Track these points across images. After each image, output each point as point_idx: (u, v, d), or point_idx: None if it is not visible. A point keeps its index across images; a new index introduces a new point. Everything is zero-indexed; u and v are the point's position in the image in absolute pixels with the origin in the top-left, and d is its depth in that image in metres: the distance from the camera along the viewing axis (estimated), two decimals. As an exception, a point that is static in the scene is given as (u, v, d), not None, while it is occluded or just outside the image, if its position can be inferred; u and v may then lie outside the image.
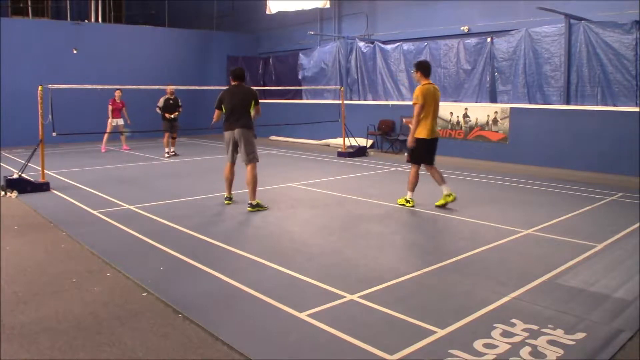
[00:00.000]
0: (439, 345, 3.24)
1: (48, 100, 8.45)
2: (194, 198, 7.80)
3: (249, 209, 6.95)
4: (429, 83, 6.98)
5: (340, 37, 16.36)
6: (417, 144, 7.00)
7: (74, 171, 10.32)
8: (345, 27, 16.83)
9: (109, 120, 13.54)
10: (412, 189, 7.19)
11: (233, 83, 7.13)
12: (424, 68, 7.01)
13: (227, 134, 7.09)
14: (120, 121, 13.67)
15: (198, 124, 15.93)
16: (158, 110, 12.56)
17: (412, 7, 14.75)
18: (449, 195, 7.04)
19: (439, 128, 13.16)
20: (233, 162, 7.24)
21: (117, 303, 3.93)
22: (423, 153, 7.06)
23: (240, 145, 7.02)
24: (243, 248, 5.24)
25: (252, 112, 7.08)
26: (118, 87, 13.31)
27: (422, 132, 6.95)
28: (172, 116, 12.50)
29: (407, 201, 7.19)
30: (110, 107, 13.51)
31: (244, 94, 7.05)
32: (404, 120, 13.66)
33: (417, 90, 6.91)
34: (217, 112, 7.15)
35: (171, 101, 12.52)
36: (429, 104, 6.87)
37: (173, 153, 12.88)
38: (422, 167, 7.18)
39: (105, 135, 13.78)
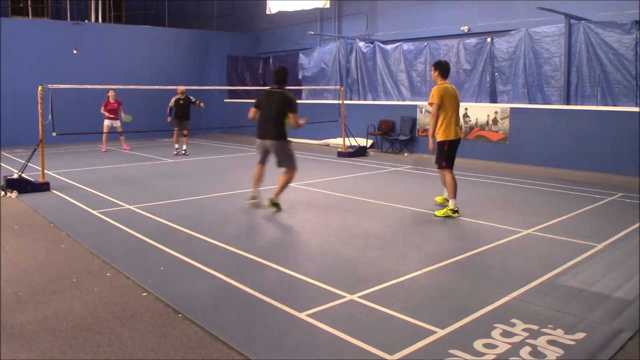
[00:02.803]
0: (439, 345, 3.23)
1: (48, 100, 8.45)
2: (194, 198, 7.80)
3: (267, 203, 6.85)
4: (446, 83, 6.66)
5: (340, 37, 16.36)
6: (444, 146, 6.62)
7: (74, 171, 10.32)
8: (345, 27, 16.83)
9: (109, 122, 13.38)
10: (455, 195, 6.62)
11: (274, 86, 6.88)
12: (443, 68, 6.67)
13: (258, 141, 6.88)
14: (117, 122, 13.45)
15: (198, 124, 15.93)
16: (169, 110, 12.85)
17: (412, 7, 14.75)
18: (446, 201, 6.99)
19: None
20: (263, 164, 7.03)
21: (117, 303, 3.93)
22: (452, 155, 6.68)
23: (274, 155, 6.82)
24: (243, 248, 5.24)
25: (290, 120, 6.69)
26: (116, 87, 13.23)
27: (447, 134, 6.57)
28: (169, 120, 12.93)
29: (455, 211, 6.58)
30: (102, 108, 13.29)
31: (280, 101, 6.71)
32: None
33: (434, 89, 6.57)
34: (252, 110, 6.89)
35: (181, 101, 12.76)
36: (448, 104, 6.51)
37: (184, 152, 12.98)
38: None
39: (104, 136, 13.67)
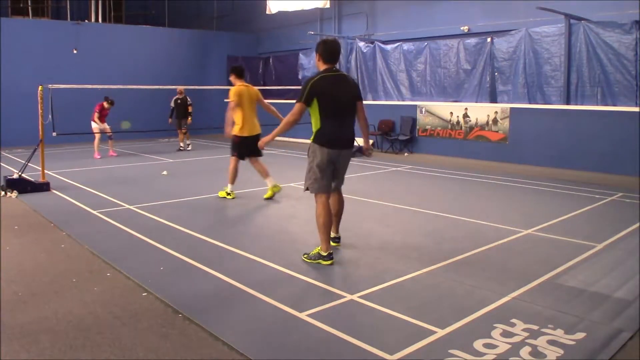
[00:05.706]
0: (439, 345, 3.23)
1: (48, 100, 8.45)
2: (194, 198, 7.79)
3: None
4: (244, 84, 7.55)
5: (340, 37, 16.34)
6: (236, 140, 7.56)
7: (74, 171, 10.31)
8: (345, 27, 16.82)
9: (100, 126, 12.49)
10: (233, 182, 7.66)
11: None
12: (239, 71, 7.63)
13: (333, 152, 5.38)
14: (105, 125, 12.68)
15: (198, 124, 15.92)
16: (170, 112, 14.33)
17: (412, 7, 14.74)
18: (275, 186, 7.60)
19: (439, 128, 13.20)
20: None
21: (117, 303, 3.92)
22: (242, 148, 7.56)
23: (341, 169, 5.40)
24: (243, 248, 5.24)
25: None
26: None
27: (240, 131, 7.48)
28: (171, 120, 14.37)
29: (228, 193, 7.64)
30: (96, 113, 12.40)
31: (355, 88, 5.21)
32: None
33: (232, 89, 7.44)
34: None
35: (179, 100, 14.16)
36: (246, 103, 7.43)
37: (188, 147, 14.18)
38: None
39: (96, 141, 12.67)
